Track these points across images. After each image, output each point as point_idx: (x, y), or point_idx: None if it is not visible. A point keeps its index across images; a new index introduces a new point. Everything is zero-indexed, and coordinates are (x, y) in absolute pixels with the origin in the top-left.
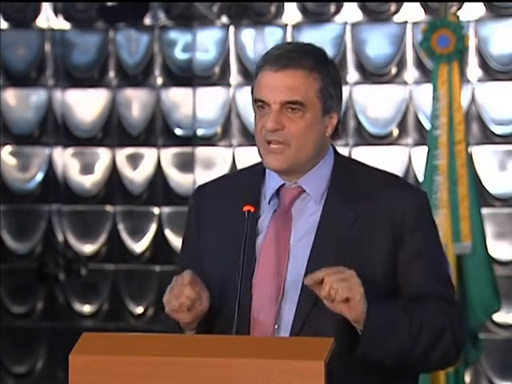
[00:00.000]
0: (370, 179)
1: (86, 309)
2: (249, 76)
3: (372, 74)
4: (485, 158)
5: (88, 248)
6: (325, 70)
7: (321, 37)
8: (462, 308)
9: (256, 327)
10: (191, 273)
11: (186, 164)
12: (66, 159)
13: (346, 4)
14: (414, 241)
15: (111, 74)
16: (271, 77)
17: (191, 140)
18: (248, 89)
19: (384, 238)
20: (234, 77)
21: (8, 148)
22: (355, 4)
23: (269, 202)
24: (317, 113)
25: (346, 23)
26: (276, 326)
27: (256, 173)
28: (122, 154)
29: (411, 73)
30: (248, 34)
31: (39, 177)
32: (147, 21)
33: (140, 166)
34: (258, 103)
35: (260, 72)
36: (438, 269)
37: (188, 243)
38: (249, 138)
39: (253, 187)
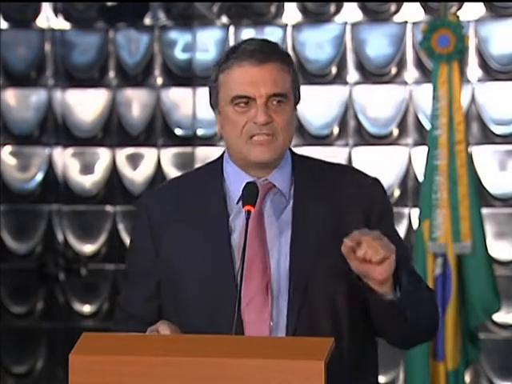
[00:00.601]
0: (328, 172)
1: (86, 309)
2: None
3: (372, 74)
4: (485, 158)
5: (88, 248)
6: (292, 63)
7: (321, 37)
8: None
9: (250, 327)
10: (168, 327)
11: (186, 164)
12: (65, 159)
13: (346, 4)
14: (382, 227)
15: (111, 74)
16: (254, 71)
17: (191, 140)
18: None
19: (356, 225)
20: None
21: (8, 148)
22: (355, 4)
23: (237, 202)
24: (292, 105)
25: (345, 23)
26: (271, 324)
27: (213, 173)
28: (122, 153)
29: (411, 73)
30: (248, 34)
31: (39, 177)
32: (147, 21)
33: (140, 166)
34: (237, 100)
35: (232, 69)
36: (403, 250)
37: (140, 249)
38: None
39: (214, 187)
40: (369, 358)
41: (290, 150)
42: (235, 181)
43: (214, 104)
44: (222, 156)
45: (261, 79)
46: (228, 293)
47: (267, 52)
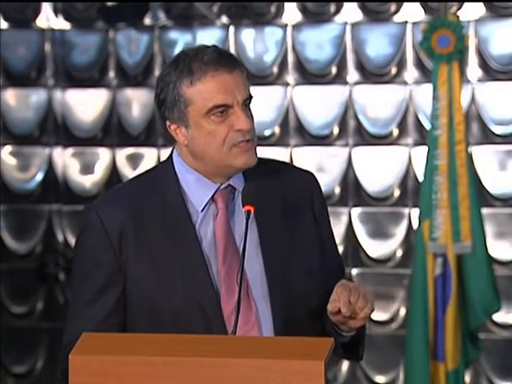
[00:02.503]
0: (269, 169)
1: None
2: (249, 76)
3: (372, 74)
4: (485, 158)
5: None
6: (245, 69)
7: (321, 37)
8: None
9: (239, 333)
10: None
11: None
12: (66, 159)
13: (345, 4)
14: (325, 219)
15: (111, 74)
16: (228, 79)
17: None
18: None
19: (309, 223)
20: None
21: (8, 148)
22: (355, 4)
23: (202, 210)
24: None
25: (345, 23)
26: (258, 326)
27: (167, 181)
28: (122, 154)
29: (411, 73)
30: (248, 34)
31: (39, 177)
32: (147, 21)
33: (140, 166)
34: (215, 110)
35: (204, 80)
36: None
37: (99, 264)
38: None
39: (172, 196)
40: None
41: None
42: (197, 189)
43: (178, 119)
44: (170, 162)
45: (235, 86)
46: (209, 302)
47: (230, 58)
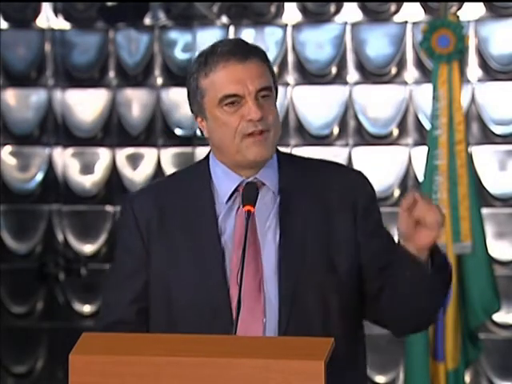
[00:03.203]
0: (314, 168)
1: (86, 309)
2: None
3: (372, 74)
4: (485, 158)
5: (88, 248)
6: (268, 60)
7: (321, 37)
8: None
9: (243, 324)
10: None
11: (186, 164)
12: (66, 159)
13: (345, 4)
14: (369, 222)
15: (111, 74)
16: (239, 69)
17: (191, 140)
18: None
19: (345, 221)
20: None
21: (8, 148)
22: (355, 4)
23: (226, 202)
24: (275, 99)
25: (345, 23)
26: (264, 321)
27: (199, 174)
28: (122, 154)
29: (411, 73)
30: (248, 34)
31: (39, 177)
32: (147, 21)
33: (140, 166)
34: (226, 100)
35: (216, 71)
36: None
37: (128, 249)
38: None
39: (201, 189)
40: (359, 354)
41: (276, 148)
42: (224, 181)
43: (198, 111)
44: (207, 157)
45: (247, 76)
46: (220, 295)
47: (246, 49)
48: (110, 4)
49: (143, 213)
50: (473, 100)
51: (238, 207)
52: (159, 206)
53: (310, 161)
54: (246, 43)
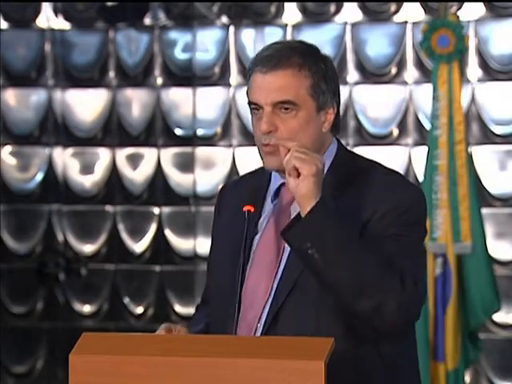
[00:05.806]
0: (366, 176)
1: (86, 309)
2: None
3: (372, 74)
4: (485, 158)
5: (88, 248)
6: (314, 66)
7: (321, 37)
8: (418, 294)
9: (242, 325)
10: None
11: (186, 164)
12: (66, 159)
13: (346, 4)
14: (378, 227)
15: (111, 74)
16: (261, 79)
17: (191, 140)
18: None
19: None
20: (234, 77)
21: (8, 148)
22: (355, 4)
23: (272, 202)
24: (311, 110)
25: (345, 23)
26: (258, 324)
27: (265, 173)
28: (122, 154)
29: (411, 73)
30: (248, 34)
31: (39, 177)
32: (147, 21)
33: (140, 166)
34: (252, 106)
35: (252, 74)
36: (410, 252)
37: (212, 243)
38: (249, 138)
39: (258, 187)
40: (366, 361)
41: (339, 147)
42: (274, 181)
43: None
44: None
45: (267, 87)
46: (233, 285)
47: (279, 57)
48: (109, 4)
49: (222, 201)
50: (473, 100)
51: (275, 205)
52: (230, 199)
53: (367, 167)
54: (287, 49)
